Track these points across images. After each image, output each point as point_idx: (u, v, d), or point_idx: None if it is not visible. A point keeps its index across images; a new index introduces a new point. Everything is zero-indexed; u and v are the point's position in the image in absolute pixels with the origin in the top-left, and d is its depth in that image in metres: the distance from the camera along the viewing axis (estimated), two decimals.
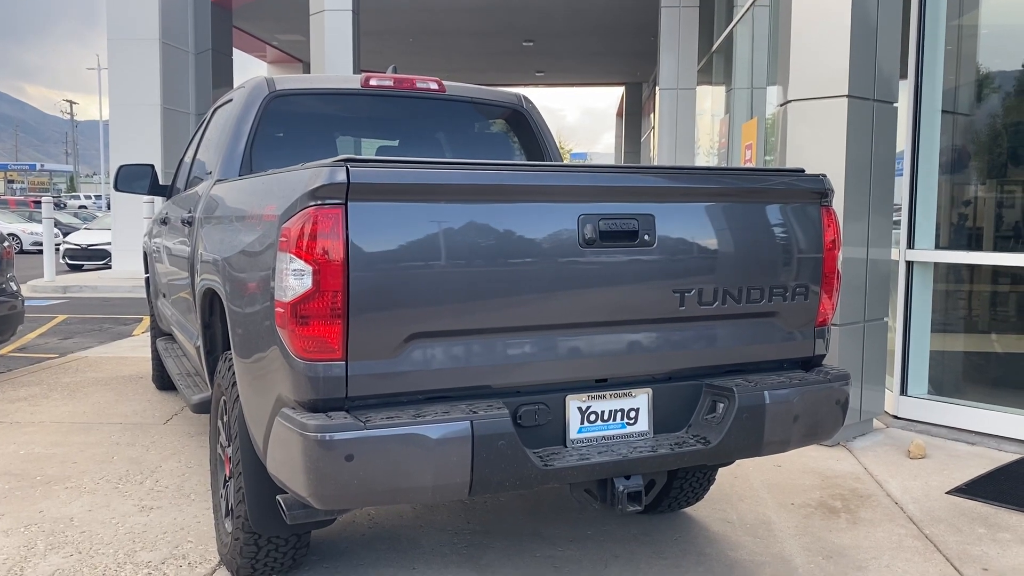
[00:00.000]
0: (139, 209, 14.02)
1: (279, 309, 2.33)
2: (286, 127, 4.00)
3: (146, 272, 6.74)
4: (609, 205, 2.58)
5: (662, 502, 3.77)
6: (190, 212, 3.96)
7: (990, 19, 5.37)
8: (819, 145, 4.71)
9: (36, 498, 4.02)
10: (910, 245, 5.21)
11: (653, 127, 17.42)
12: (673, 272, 2.68)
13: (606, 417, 2.67)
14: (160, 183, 5.60)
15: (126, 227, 15.16)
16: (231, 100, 4.17)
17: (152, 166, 5.55)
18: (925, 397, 5.20)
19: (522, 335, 2.52)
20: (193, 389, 4.16)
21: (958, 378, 5.48)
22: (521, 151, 4.41)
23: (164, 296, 5.34)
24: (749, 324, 2.87)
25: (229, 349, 3.38)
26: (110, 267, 17.16)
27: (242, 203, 2.96)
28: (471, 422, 2.34)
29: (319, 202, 2.26)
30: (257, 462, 2.78)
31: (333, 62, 13.20)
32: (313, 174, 2.28)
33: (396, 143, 4.33)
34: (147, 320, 10.79)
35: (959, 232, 5.40)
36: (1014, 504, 4.01)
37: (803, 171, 2.97)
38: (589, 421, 2.64)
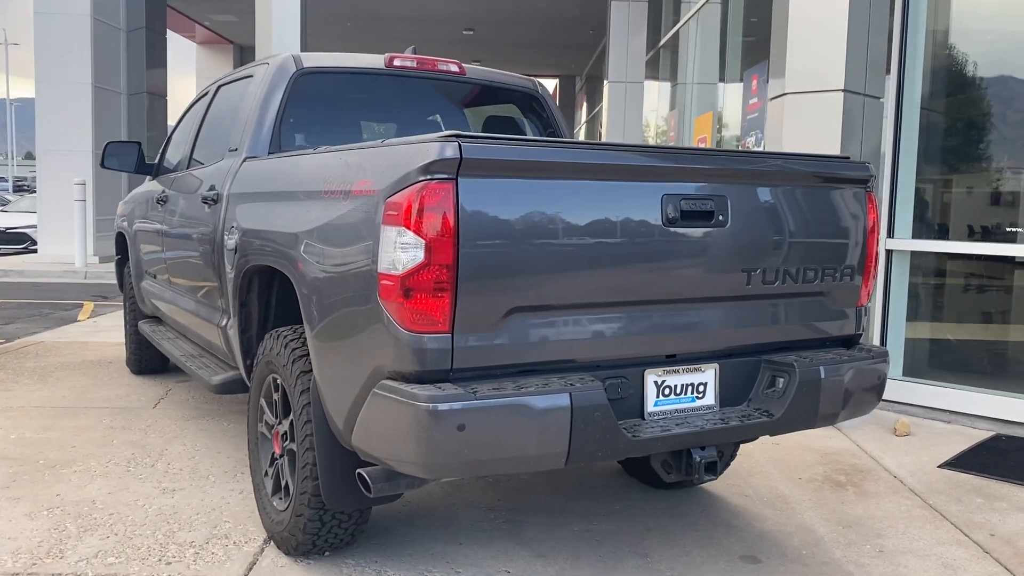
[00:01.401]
0: (68, 192, 13.52)
1: (386, 282, 2.35)
2: (312, 105, 3.97)
3: (117, 254, 6.57)
4: (689, 186, 2.68)
5: (696, 476, 3.88)
6: (212, 190, 3.89)
7: (963, 22, 5.67)
8: (813, 137, 4.91)
9: (47, 482, 3.90)
10: (890, 235, 5.47)
11: (601, 120, 17.62)
12: (741, 252, 2.80)
13: (678, 391, 2.77)
14: (146, 162, 5.47)
15: (53, 212, 14.54)
16: (249, 76, 4.11)
17: (139, 143, 5.43)
18: (902, 379, 5.48)
19: (608, 311, 2.60)
20: (209, 370, 4.09)
21: (932, 361, 5.79)
22: (535, 133, 4.47)
23: (154, 277, 5.21)
24: (802, 303, 3.01)
25: (271, 327, 3.38)
26: (32, 251, 16.47)
27: (310, 179, 2.94)
28: (570, 394, 2.41)
29: (432, 177, 2.29)
30: (331, 437, 2.78)
31: (280, 45, 12.94)
32: (425, 149, 2.30)
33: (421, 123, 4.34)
34: (90, 305, 10.47)
35: (935, 223, 5.70)
36: (1001, 476, 4.29)
37: (848, 158, 3.12)
38: (663, 395, 2.74)
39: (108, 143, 5.34)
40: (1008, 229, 5.44)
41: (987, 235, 5.50)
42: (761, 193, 2.84)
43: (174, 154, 5.39)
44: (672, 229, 2.64)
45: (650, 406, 2.71)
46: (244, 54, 23.28)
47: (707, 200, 2.69)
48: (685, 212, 2.64)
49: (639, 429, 2.60)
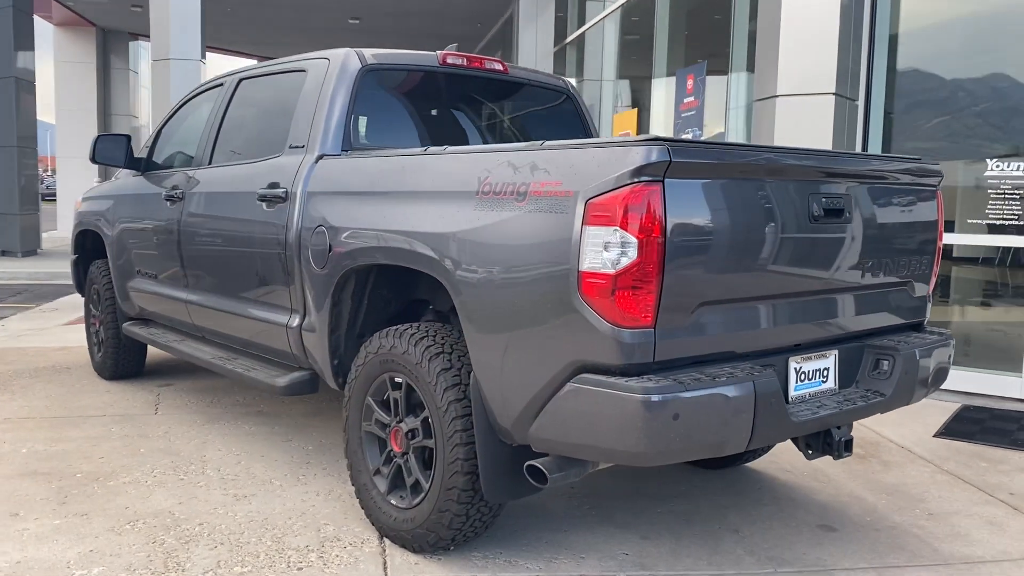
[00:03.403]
0: None
1: (593, 280, 2.44)
2: (375, 102, 3.95)
3: (74, 253, 6.21)
4: (827, 185, 2.92)
5: (742, 456, 4.15)
6: (275, 188, 3.80)
7: (917, 35, 6.22)
8: (805, 137, 5.28)
9: (104, 495, 3.71)
10: None
11: None
12: (859, 246, 3.05)
13: (810, 376, 2.99)
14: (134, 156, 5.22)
15: None
16: (300, 71, 4.02)
17: (128, 137, 5.16)
18: None
19: (766, 302, 2.80)
20: (263, 371, 4.00)
21: None
22: (571, 131, 4.60)
23: (154, 278, 4.99)
24: (892, 292, 3.30)
25: (360, 326, 3.41)
26: None
27: (454, 179, 2.96)
28: (753, 382, 2.58)
29: (642, 179, 2.40)
30: (491, 432, 2.84)
31: (179, 32, 12.37)
32: (635, 152, 2.41)
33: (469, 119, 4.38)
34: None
35: None
36: (989, 442, 4.79)
37: (920, 159, 3.45)
38: (800, 380, 2.96)
39: (99, 136, 5.05)
40: (968, 221, 6.01)
41: (947, 227, 6.06)
42: (870, 192, 3.10)
43: (172, 150, 5.18)
44: (814, 226, 2.85)
45: (792, 391, 2.92)
46: (109, 38, 21.91)
47: (839, 198, 2.93)
48: (827, 210, 2.87)
49: (794, 412, 2.80)
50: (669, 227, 2.43)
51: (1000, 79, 5.69)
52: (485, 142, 4.33)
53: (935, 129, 6.04)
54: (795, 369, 2.93)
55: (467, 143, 4.26)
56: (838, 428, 3.01)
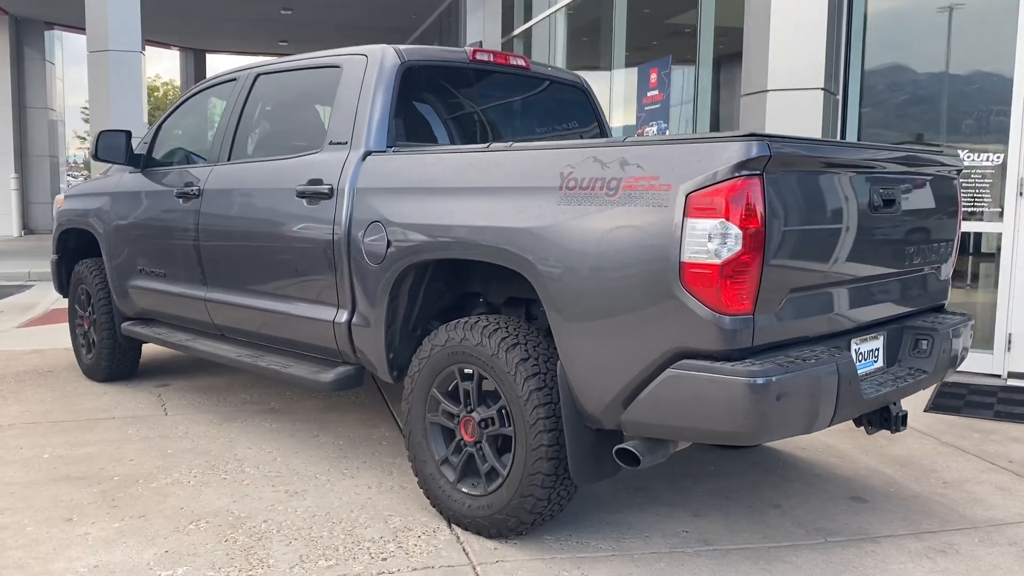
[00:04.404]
0: None
1: (698, 270, 2.57)
2: (414, 97, 3.99)
3: (55, 253, 6.04)
4: (882, 176, 3.12)
5: None
6: (317, 184, 3.80)
7: (888, 31, 6.55)
8: (795, 129, 5.53)
9: (153, 497, 3.67)
10: None
11: None
12: (905, 233, 3.27)
13: (866, 356, 3.20)
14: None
15: None
16: (334, 67, 4.03)
17: (128, 133, 5.06)
18: None
19: (838, 288, 2.98)
20: (303, 367, 4.00)
21: None
22: (587, 124, 4.73)
23: (162, 276, 4.91)
24: (927, 275, 3.54)
25: (416, 320, 3.51)
26: None
27: (533, 175, 3.04)
28: (836, 364, 2.76)
29: (745, 172, 2.54)
30: (578, 418, 2.95)
31: (116, 23, 12.00)
32: (736, 147, 2.54)
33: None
34: None
35: None
36: (975, 415, 5.13)
37: (941, 149, 3.69)
38: (859, 360, 3.15)
39: (101, 132, 4.93)
40: None
41: None
42: (912, 182, 3.32)
43: (177, 146, 5.10)
44: (874, 215, 3.05)
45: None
46: (23, 27, 20.97)
47: (891, 189, 3.13)
48: (885, 200, 3.07)
49: (864, 390, 2.99)
50: (767, 218, 2.58)
51: (970, 71, 6.06)
52: (513, 136, 4.41)
53: (907, 121, 6.38)
54: (855, 350, 3.12)
55: (498, 137, 4.34)
56: (893, 404, 3.22)
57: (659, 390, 2.70)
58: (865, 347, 3.18)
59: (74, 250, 6.00)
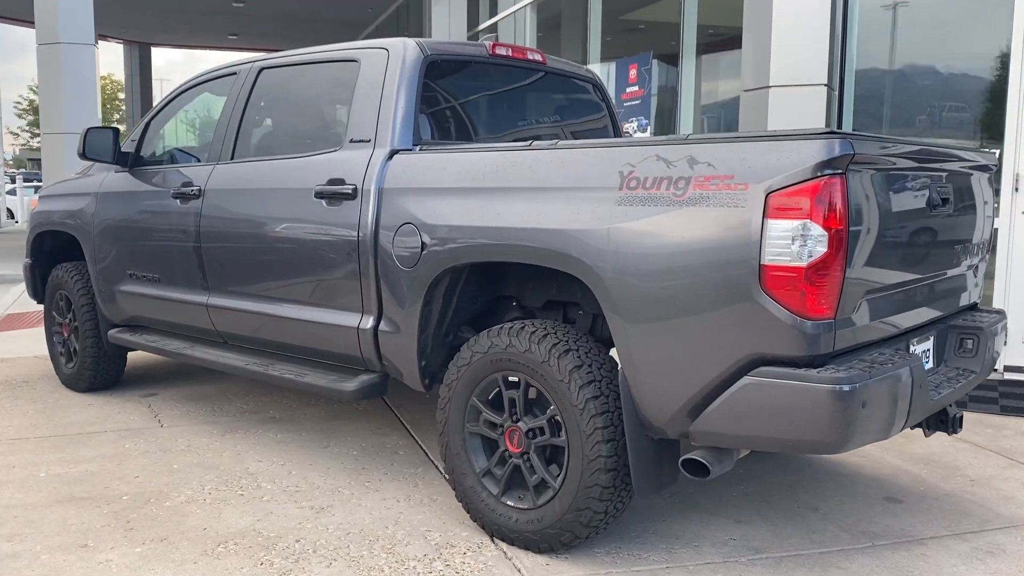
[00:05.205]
0: None
1: (781, 273, 2.47)
2: (433, 92, 3.83)
3: (28, 257, 5.73)
4: (940, 176, 3.06)
5: None
6: (338, 184, 3.62)
7: (882, 29, 6.57)
8: (799, 126, 5.49)
9: (171, 518, 3.46)
10: None
11: None
12: (956, 232, 3.22)
13: (920, 357, 3.14)
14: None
15: None
16: (351, 61, 3.84)
17: (116, 130, 4.79)
18: None
19: (902, 288, 2.92)
20: (326, 376, 3.82)
21: None
22: (600, 118, 4.62)
23: (156, 281, 4.66)
24: (968, 274, 3.50)
25: (448, 325, 3.43)
26: None
27: (589, 175, 2.90)
28: (910, 367, 2.69)
29: (828, 172, 2.44)
30: (640, 428, 2.84)
31: (69, 14, 11.54)
32: (819, 145, 2.45)
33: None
34: None
35: None
36: (982, 410, 5.16)
37: (980, 148, 3.66)
38: None
39: (88, 129, 4.66)
40: None
41: None
42: (957, 179, 3.27)
43: (169, 144, 4.87)
44: (933, 214, 2.99)
45: None
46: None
47: (946, 187, 3.08)
48: (942, 199, 3.01)
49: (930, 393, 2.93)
50: (851, 219, 2.49)
51: (965, 66, 6.10)
52: (533, 132, 4.28)
53: (902, 117, 6.41)
54: (912, 352, 3.07)
55: (520, 133, 4.20)
56: (950, 406, 3.17)
57: (735, 398, 2.60)
58: (919, 348, 3.13)
59: (49, 253, 5.69)
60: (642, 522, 3.47)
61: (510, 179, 3.14)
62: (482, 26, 13.50)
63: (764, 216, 2.49)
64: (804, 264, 2.45)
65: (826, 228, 2.44)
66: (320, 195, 3.70)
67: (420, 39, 3.80)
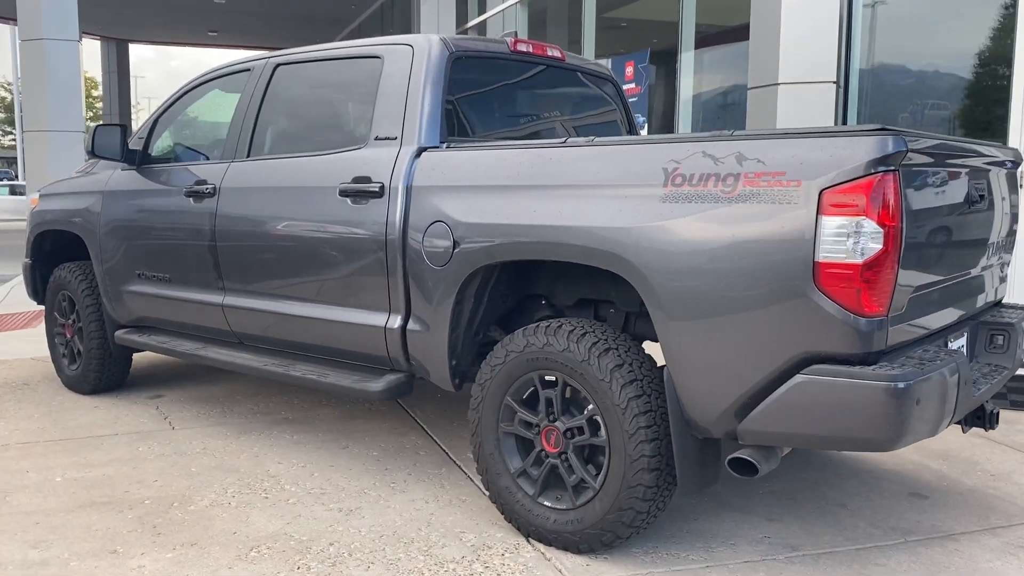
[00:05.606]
0: None
1: (836, 270, 2.46)
2: (461, 89, 3.79)
3: (28, 257, 5.62)
4: (978, 172, 3.07)
5: None
6: (363, 182, 3.57)
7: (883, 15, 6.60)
8: (809, 123, 5.51)
9: (197, 522, 3.40)
10: None
11: None
12: (990, 228, 3.24)
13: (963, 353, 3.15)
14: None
15: None
16: (373, 57, 3.79)
17: (124, 127, 4.70)
18: None
19: (944, 284, 2.92)
20: (350, 376, 3.76)
21: None
22: (615, 114, 4.60)
23: (167, 281, 4.58)
24: (996, 270, 3.52)
25: (478, 324, 3.40)
26: None
27: (633, 172, 2.88)
28: (956, 362, 2.69)
29: (884, 168, 2.44)
30: (685, 426, 2.82)
31: (53, 10, 11.35)
32: (873, 142, 2.44)
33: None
34: None
35: None
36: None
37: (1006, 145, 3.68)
38: None
39: (97, 126, 4.56)
40: None
41: None
42: (989, 176, 3.28)
43: (179, 142, 4.78)
44: (970, 210, 3.00)
45: None
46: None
47: (984, 184, 3.09)
48: (979, 195, 3.02)
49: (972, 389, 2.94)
50: (905, 216, 2.49)
51: (969, 63, 6.14)
52: (555, 128, 4.25)
53: (906, 113, 6.44)
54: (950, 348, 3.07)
55: (543, 129, 4.17)
56: (987, 402, 3.18)
57: (788, 397, 2.58)
58: (954, 344, 3.14)
59: (50, 253, 5.58)
60: (676, 521, 3.45)
61: (546, 176, 3.11)
62: (471, 23, 13.46)
63: (818, 213, 2.48)
64: (860, 261, 2.44)
65: (881, 225, 2.43)
66: (345, 193, 3.65)
67: (444, 36, 3.76)
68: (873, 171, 2.43)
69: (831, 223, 2.46)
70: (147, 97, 67.50)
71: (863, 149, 2.45)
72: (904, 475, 4.06)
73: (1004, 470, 4.15)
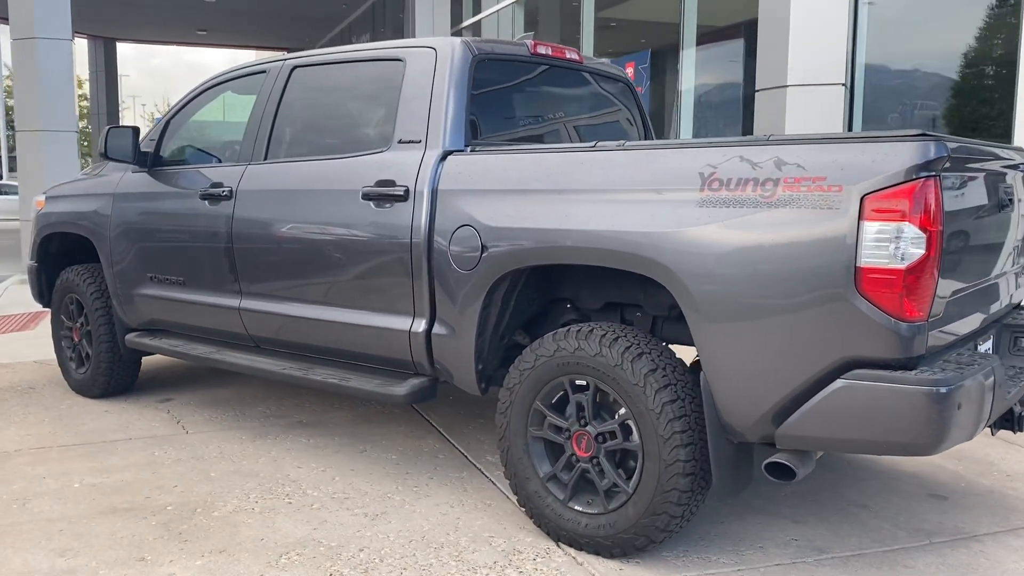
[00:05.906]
0: None
1: (878, 275, 2.47)
2: (484, 92, 3.78)
3: (33, 259, 5.57)
4: (1005, 176, 3.09)
5: None
6: (389, 186, 3.56)
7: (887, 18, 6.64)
8: (817, 125, 5.53)
9: (223, 528, 3.37)
10: None
11: None
12: (1016, 232, 3.26)
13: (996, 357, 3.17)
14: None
15: None
16: (397, 60, 3.77)
17: (136, 129, 4.66)
18: None
19: (976, 288, 2.94)
20: (373, 381, 3.75)
21: None
22: (631, 117, 4.60)
23: (181, 284, 4.55)
24: (1018, 274, 3.54)
25: (504, 329, 3.41)
26: None
27: (667, 177, 2.88)
28: (992, 366, 2.71)
29: (925, 174, 2.45)
30: (720, 429, 2.82)
31: (45, 8, 11.25)
32: (915, 148, 2.45)
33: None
34: None
35: None
36: None
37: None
38: None
39: (110, 128, 4.52)
40: None
41: None
42: (1014, 180, 3.31)
43: (192, 144, 4.75)
44: (999, 213, 3.02)
45: None
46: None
47: (1010, 187, 3.11)
48: (1008, 199, 3.04)
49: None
50: (945, 221, 2.50)
51: (973, 64, 6.19)
52: (574, 130, 4.25)
53: (909, 114, 6.49)
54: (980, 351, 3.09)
55: (562, 131, 4.17)
56: (1017, 404, 3.20)
57: (828, 402, 2.59)
58: (983, 347, 3.16)
59: (55, 256, 5.53)
60: (703, 524, 3.46)
61: (576, 181, 3.11)
62: (466, 23, 13.44)
63: (860, 218, 2.49)
64: (902, 266, 2.45)
65: (923, 230, 2.44)
66: (368, 196, 3.63)
67: (467, 38, 3.75)
68: (915, 176, 2.44)
69: (873, 228, 2.47)
70: (131, 96, 66.86)
71: (905, 154, 2.46)
72: (922, 476, 4.08)
73: (1020, 471, 4.18)
